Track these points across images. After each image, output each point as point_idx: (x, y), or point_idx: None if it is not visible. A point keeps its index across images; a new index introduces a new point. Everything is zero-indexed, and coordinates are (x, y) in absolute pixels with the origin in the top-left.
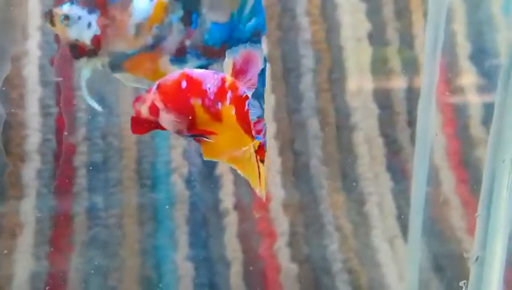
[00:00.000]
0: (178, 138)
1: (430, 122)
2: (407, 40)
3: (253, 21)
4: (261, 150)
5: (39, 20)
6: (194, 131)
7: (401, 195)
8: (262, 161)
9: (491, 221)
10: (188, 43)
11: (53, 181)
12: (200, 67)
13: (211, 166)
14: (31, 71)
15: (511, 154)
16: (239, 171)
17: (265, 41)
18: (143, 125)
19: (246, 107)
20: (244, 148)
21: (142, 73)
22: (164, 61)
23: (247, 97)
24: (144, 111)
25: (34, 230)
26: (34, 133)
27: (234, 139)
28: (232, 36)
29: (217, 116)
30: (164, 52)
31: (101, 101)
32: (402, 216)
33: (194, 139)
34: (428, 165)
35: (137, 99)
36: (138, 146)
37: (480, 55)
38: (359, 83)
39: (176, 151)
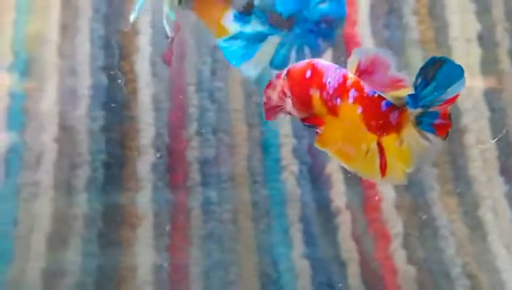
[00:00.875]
0: (288, 136)
1: None
2: None
3: (326, 4)
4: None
5: (150, 16)
6: (308, 120)
7: None
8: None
9: None
10: (257, 2)
11: (167, 175)
12: (262, 34)
13: (321, 164)
14: (143, 67)
15: None
16: (346, 165)
17: (371, 40)
18: (273, 111)
19: (384, 108)
20: (363, 146)
21: (206, 18)
22: (229, 15)
23: (381, 98)
24: (274, 97)
25: (153, 222)
26: (147, 128)
27: (351, 135)
28: (301, 11)
29: (333, 111)
30: (232, 3)
31: (210, 96)
32: None
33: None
34: None
35: (268, 85)
36: (248, 142)
37: None
38: (469, 84)
39: (285, 149)
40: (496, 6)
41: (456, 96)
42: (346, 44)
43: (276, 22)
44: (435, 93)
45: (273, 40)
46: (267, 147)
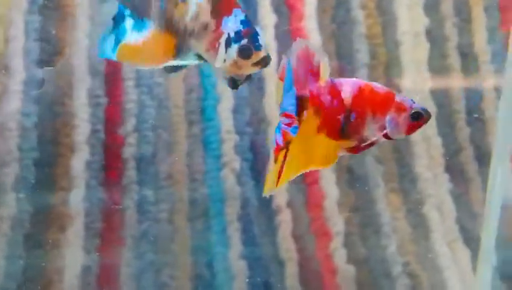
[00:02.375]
0: (230, 132)
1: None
2: (466, 36)
3: None
4: None
5: (89, 9)
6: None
7: (461, 197)
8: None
9: None
10: None
11: (102, 173)
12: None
13: (263, 161)
14: (80, 60)
15: None
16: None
17: (318, 34)
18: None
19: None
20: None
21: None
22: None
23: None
24: None
25: (84, 222)
26: (82, 124)
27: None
28: None
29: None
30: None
31: (149, 92)
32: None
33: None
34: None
35: None
36: (188, 140)
37: None
38: (416, 79)
39: (226, 145)
40: (445, 1)
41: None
42: (293, 38)
43: None
44: None
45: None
46: (207, 143)
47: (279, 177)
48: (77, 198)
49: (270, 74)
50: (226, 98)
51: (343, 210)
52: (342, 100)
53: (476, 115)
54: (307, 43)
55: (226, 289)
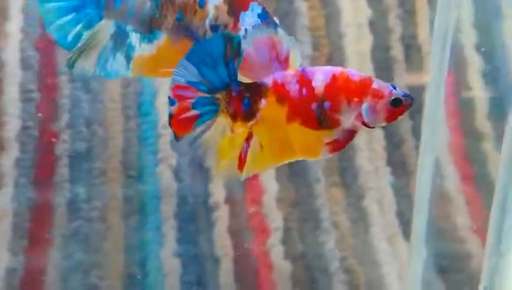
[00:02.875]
0: (167, 127)
1: (438, 116)
2: (409, 28)
3: None
4: None
5: (21, 1)
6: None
7: (402, 191)
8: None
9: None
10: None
11: (32, 171)
12: None
13: (200, 157)
14: (11, 54)
15: None
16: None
17: None
18: None
19: None
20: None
21: None
22: None
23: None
24: None
25: (12, 223)
26: (12, 120)
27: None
28: None
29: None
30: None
31: (83, 86)
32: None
33: None
34: (433, 161)
35: None
36: (124, 135)
37: (487, 45)
38: (360, 70)
39: (163, 141)
40: None
41: None
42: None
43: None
44: None
45: None
46: (143, 139)
47: (241, 163)
48: (5, 198)
49: None
50: (164, 92)
51: (283, 205)
52: (313, 89)
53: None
54: (274, 30)
55: (157, 288)
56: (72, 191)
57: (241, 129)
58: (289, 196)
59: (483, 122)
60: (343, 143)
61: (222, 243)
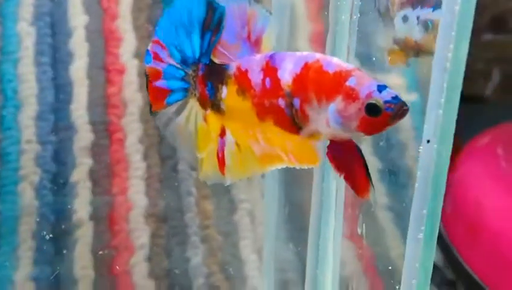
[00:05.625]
0: (30, 142)
1: None
2: None
3: None
4: None
5: None
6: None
7: None
8: None
9: None
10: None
11: None
12: None
13: (66, 172)
14: None
15: None
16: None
17: (133, 34)
18: None
19: None
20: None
21: None
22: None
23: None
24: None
25: None
26: None
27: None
28: None
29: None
30: None
31: None
32: None
33: None
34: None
35: None
36: None
37: None
38: None
39: (26, 156)
40: None
41: None
42: (105, 40)
43: None
44: None
45: None
46: (5, 155)
47: (221, 164)
48: None
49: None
50: (28, 105)
51: (150, 221)
52: (278, 80)
53: None
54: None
55: None
56: None
57: (214, 120)
58: (157, 211)
59: None
60: (339, 161)
61: (83, 264)
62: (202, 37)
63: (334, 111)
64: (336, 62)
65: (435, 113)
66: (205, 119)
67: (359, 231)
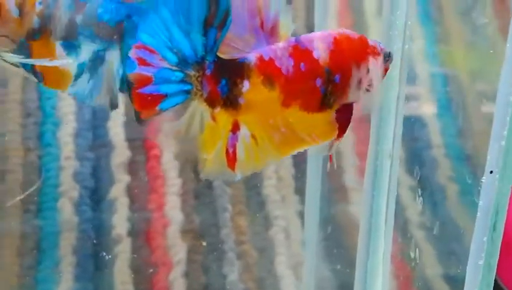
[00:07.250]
0: (69, 158)
1: None
2: None
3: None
4: None
5: None
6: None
7: None
8: None
9: None
10: (78, 20)
11: None
12: (97, 55)
13: (104, 188)
14: None
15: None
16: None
17: None
18: None
19: None
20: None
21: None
22: (59, 49)
23: None
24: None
25: None
26: None
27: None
28: (130, 17)
29: None
30: (54, 37)
31: None
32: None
33: None
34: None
35: None
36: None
37: None
38: None
39: (65, 173)
40: None
41: None
42: None
43: (104, 33)
44: None
45: (111, 60)
46: (45, 171)
47: (231, 160)
48: None
49: None
50: (68, 121)
51: (187, 237)
52: (315, 61)
53: None
54: None
55: None
56: None
57: (224, 117)
58: (194, 227)
59: None
60: (347, 121)
61: (122, 279)
62: (205, 34)
63: (372, 70)
64: (346, 30)
65: (498, 145)
66: (213, 118)
67: (412, 254)
